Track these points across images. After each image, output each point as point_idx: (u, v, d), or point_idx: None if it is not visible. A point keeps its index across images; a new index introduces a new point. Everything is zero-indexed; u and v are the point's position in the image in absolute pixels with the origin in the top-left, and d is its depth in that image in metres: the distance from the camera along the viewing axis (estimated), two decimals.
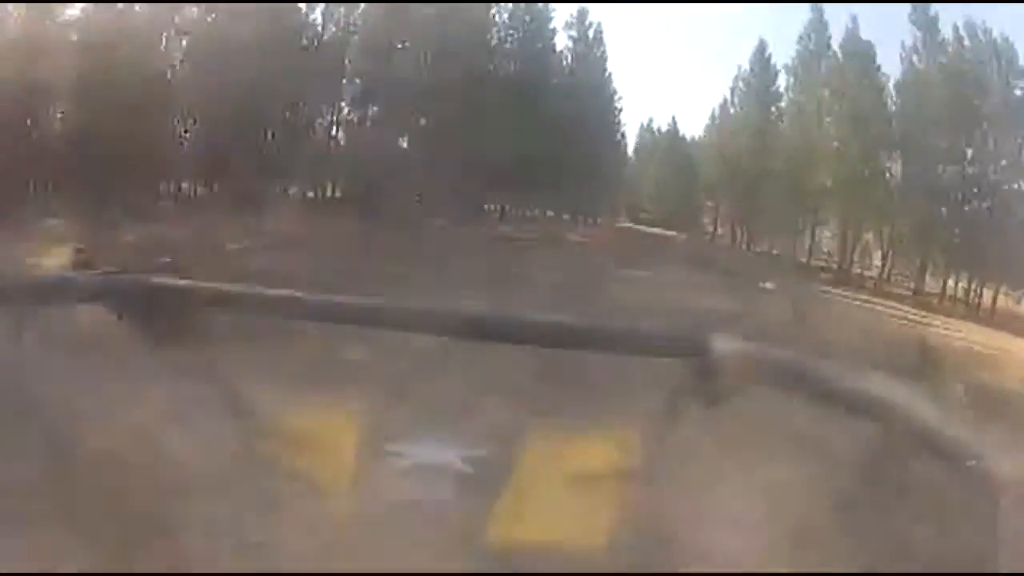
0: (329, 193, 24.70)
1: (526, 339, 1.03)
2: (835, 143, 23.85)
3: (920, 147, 22.07)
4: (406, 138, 26.25)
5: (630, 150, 37.75)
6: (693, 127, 52.58)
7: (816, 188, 25.73)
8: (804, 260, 28.04)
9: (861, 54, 23.46)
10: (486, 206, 28.78)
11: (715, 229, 34.28)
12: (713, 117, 33.25)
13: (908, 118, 22.64)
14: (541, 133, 25.90)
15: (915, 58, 23.52)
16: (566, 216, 35.56)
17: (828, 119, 25.04)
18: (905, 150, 22.57)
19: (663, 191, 38.61)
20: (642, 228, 36.96)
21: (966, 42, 22.17)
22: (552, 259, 17.58)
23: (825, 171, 24.56)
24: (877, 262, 27.04)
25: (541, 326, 1.01)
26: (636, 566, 1.25)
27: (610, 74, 33.78)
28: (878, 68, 23.60)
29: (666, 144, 39.51)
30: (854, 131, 23.22)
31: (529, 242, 23.31)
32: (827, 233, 29.36)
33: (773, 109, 28.86)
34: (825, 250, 30.57)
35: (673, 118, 43.09)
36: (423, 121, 25.62)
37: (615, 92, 35.02)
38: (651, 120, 42.97)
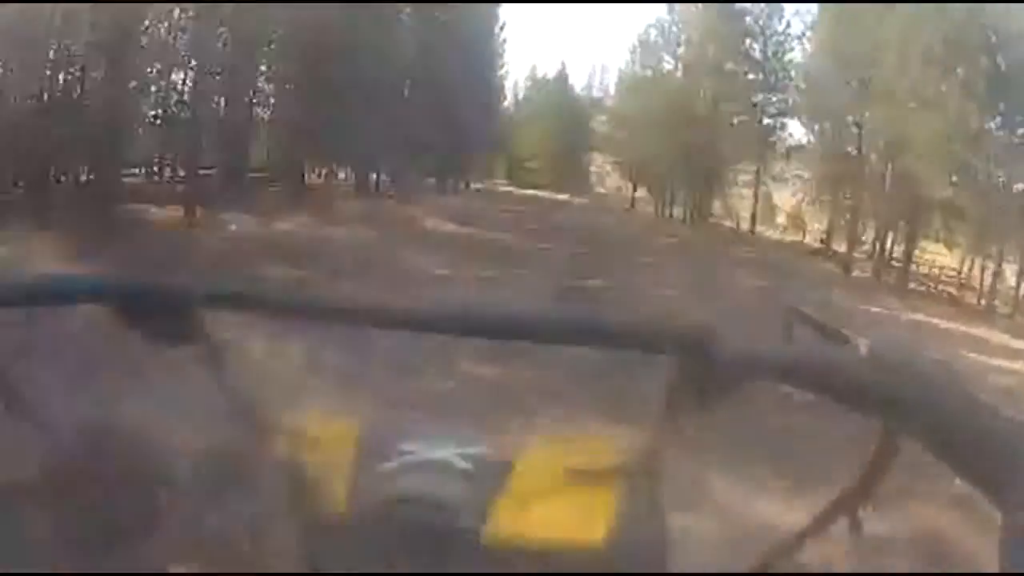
0: None
1: (508, 333, 0.89)
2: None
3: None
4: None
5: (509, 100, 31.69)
6: (580, 75, 47.22)
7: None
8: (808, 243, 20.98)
9: None
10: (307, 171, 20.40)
11: (633, 192, 26.93)
12: (632, 51, 25.45)
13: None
14: (387, 74, 19.26)
15: None
16: (431, 180, 27.36)
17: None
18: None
19: (550, 148, 32.06)
20: (528, 192, 30.08)
21: None
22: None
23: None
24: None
25: (524, 317, 0.91)
26: (635, 566, 0.82)
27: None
28: None
29: (554, 93, 33.20)
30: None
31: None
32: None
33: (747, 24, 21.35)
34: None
35: (562, 63, 37.81)
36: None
37: (495, 26, 27.81)
38: (534, 68, 37.13)
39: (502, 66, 29.50)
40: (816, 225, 23.19)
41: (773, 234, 23.62)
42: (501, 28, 28.45)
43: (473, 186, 30.47)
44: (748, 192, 23.72)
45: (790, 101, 22.37)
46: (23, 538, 0.77)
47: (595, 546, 0.81)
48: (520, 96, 33.02)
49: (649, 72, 24.39)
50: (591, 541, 0.81)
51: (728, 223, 23.88)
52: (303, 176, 19.97)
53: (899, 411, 0.68)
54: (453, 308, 0.90)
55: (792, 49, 22.45)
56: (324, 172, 20.80)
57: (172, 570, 0.76)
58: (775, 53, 22.39)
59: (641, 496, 0.86)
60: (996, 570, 0.54)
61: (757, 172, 23.03)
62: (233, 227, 13.46)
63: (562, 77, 32.82)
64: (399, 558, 0.79)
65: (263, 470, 0.84)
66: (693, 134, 21.97)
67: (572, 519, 0.83)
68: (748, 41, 22.29)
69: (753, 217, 23.19)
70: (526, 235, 16.34)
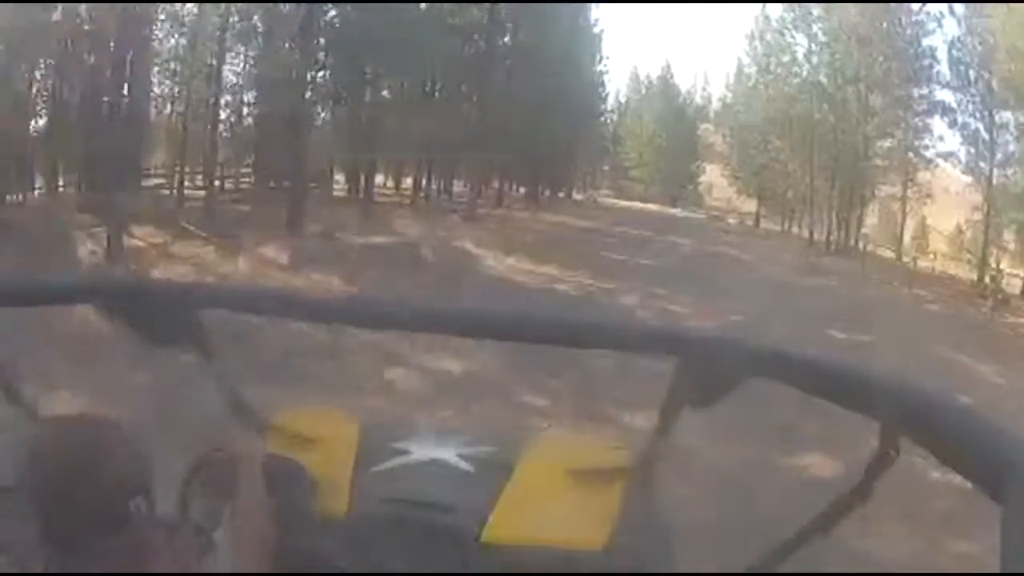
0: None
1: (516, 336, 0.97)
2: None
3: None
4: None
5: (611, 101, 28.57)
6: (686, 75, 43.66)
7: None
8: None
9: None
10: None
11: (758, 209, 23.16)
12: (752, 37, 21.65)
13: None
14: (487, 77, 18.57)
15: None
16: (522, 190, 25.16)
17: None
18: None
19: (656, 156, 28.86)
20: (634, 204, 27.59)
21: None
22: None
23: None
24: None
25: (530, 322, 0.97)
26: (636, 566, 0.90)
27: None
28: None
29: (659, 95, 29.92)
30: None
31: None
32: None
33: None
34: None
35: (667, 63, 34.56)
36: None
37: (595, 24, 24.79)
38: (636, 68, 33.90)
39: (600, 60, 26.17)
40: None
41: (924, 263, 19.88)
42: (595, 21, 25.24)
43: (575, 196, 27.53)
44: (891, 211, 19.77)
45: (935, 95, 18.52)
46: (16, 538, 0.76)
47: (595, 547, 0.81)
48: (622, 98, 29.76)
49: (773, 58, 20.50)
50: (591, 542, 0.81)
51: (867, 247, 19.96)
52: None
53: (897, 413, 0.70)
54: (467, 311, 0.93)
55: (932, 32, 18.58)
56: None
57: (168, 569, 0.76)
58: (914, 36, 18.51)
59: (641, 497, 0.85)
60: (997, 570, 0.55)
61: (904, 185, 18.99)
62: None
63: (667, 77, 29.40)
64: (398, 559, 0.79)
65: (262, 470, 0.83)
66: (833, 133, 18.16)
67: (572, 520, 0.83)
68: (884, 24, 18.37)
69: (899, 241, 19.18)
70: (637, 280, 12.11)
